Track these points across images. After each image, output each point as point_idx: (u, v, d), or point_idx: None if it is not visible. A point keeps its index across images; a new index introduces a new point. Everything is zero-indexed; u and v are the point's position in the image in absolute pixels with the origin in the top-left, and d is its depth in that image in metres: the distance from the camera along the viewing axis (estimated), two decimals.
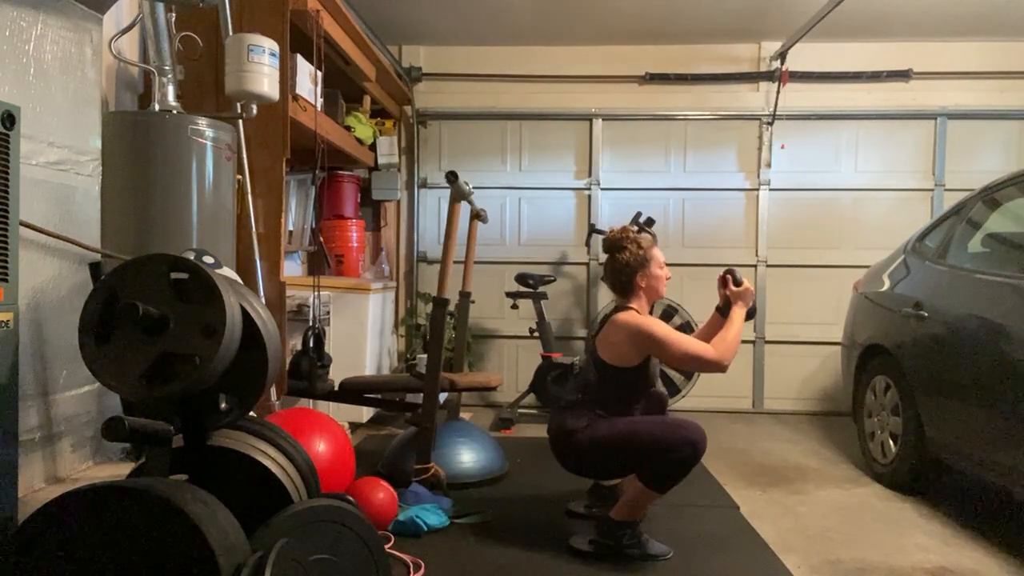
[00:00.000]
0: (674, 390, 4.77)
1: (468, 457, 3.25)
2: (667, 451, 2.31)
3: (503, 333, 5.29)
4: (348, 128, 4.38)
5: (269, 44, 2.70)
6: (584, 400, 2.57)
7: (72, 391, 2.37)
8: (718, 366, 2.40)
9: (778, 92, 4.94)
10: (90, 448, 2.47)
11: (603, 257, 2.65)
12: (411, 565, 2.33)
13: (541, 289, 4.74)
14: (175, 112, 2.66)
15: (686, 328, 4.74)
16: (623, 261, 2.55)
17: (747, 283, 2.58)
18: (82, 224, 2.41)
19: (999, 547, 2.62)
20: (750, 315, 2.57)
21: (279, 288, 3.09)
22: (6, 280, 1.86)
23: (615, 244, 2.58)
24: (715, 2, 4.44)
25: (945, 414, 2.90)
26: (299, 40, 3.24)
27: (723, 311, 2.60)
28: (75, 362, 2.24)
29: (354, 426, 4.21)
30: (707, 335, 2.61)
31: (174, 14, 2.74)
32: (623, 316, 2.49)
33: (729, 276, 2.60)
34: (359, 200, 5.08)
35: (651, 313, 2.64)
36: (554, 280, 4.90)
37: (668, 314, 4.74)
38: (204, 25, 2.91)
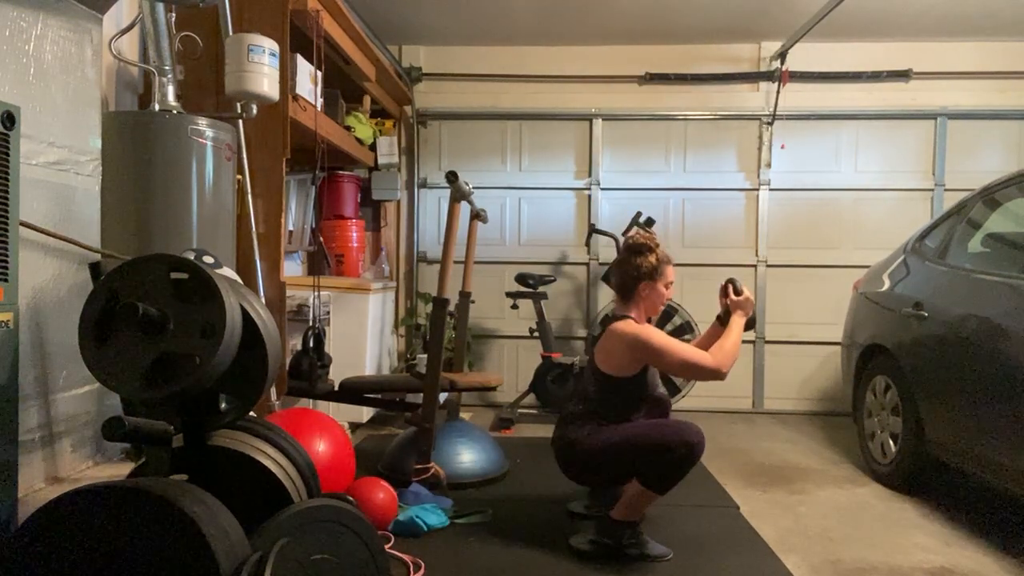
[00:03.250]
0: (674, 390, 4.77)
1: (468, 457, 3.25)
2: (664, 452, 2.32)
3: (503, 333, 5.30)
4: (348, 128, 4.38)
5: (269, 44, 2.70)
6: (585, 411, 2.57)
7: (72, 391, 2.36)
8: (716, 374, 2.41)
9: (778, 92, 4.94)
10: (90, 448, 2.47)
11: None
12: (411, 565, 2.33)
13: (541, 289, 4.74)
14: (175, 112, 2.66)
15: (686, 327, 4.75)
16: (637, 264, 2.55)
17: (747, 292, 2.59)
18: (82, 224, 2.40)
19: (999, 547, 2.62)
20: (750, 325, 2.58)
21: (279, 288, 3.09)
22: (6, 280, 1.86)
23: (638, 247, 2.58)
24: (715, 2, 4.44)
25: (945, 414, 2.90)
26: (299, 40, 3.24)
27: (723, 320, 2.61)
28: (75, 362, 2.24)
29: (354, 426, 4.21)
30: (706, 344, 2.61)
31: (174, 14, 2.73)
32: (620, 325, 2.50)
33: (730, 285, 2.60)
34: (359, 200, 5.08)
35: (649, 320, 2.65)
36: (554, 280, 4.90)
37: (668, 314, 4.74)
38: (204, 25, 2.91)
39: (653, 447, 2.34)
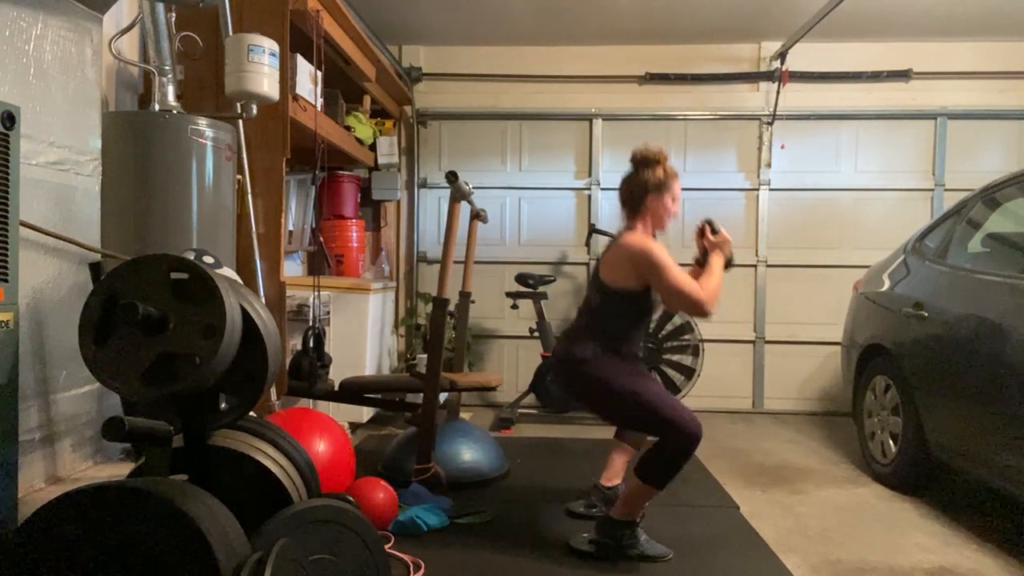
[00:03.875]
0: (674, 390, 4.77)
1: (468, 457, 3.25)
2: (666, 427, 2.34)
3: (503, 333, 5.30)
4: (348, 128, 4.38)
5: (269, 44, 2.70)
6: (587, 325, 2.55)
7: (72, 391, 2.36)
8: (703, 308, 2.39)
9: (778, 92, 4.94)
10: (90, 448, 2.47)
11: (628, 170, 2.62)
12: (411, 565, 2.33)
13: (541, 289, 4.74)
14: (175, 112, 2.66)
15: (686, 327, 4.74)
16: (644, 177, 2.54)
17: (724, 232, 2.58)
18: (82, 224, 2.40)
19: (999, 547, 2.62)
20: (728, 264, 2.58)
21: (279, 288, 3.09)
22: (6, 280, 1.86)
23: (646, 159, 2.56)
24: (715, 2, 4.44)
25: (945, 414, 2.90)
26: (299, 40, 3.24)
27: (701, 262, 2.61)
28: (75, 362, 2.24)
29: (354, 426, 4.21)
30: None
31: (174, 14, 2.73)
32: (628, 237, 2.50)
33: (707, 226, 2.60)
34: (359, 200, 5.08)
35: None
36: (554, 280, 4.90)
37: (668, 314, 4.73)
38: (204, 25, 2.91)
39: (657, 416, 2.35)
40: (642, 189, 2.54)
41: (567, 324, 2.65)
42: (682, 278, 2.40)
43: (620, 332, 2.52)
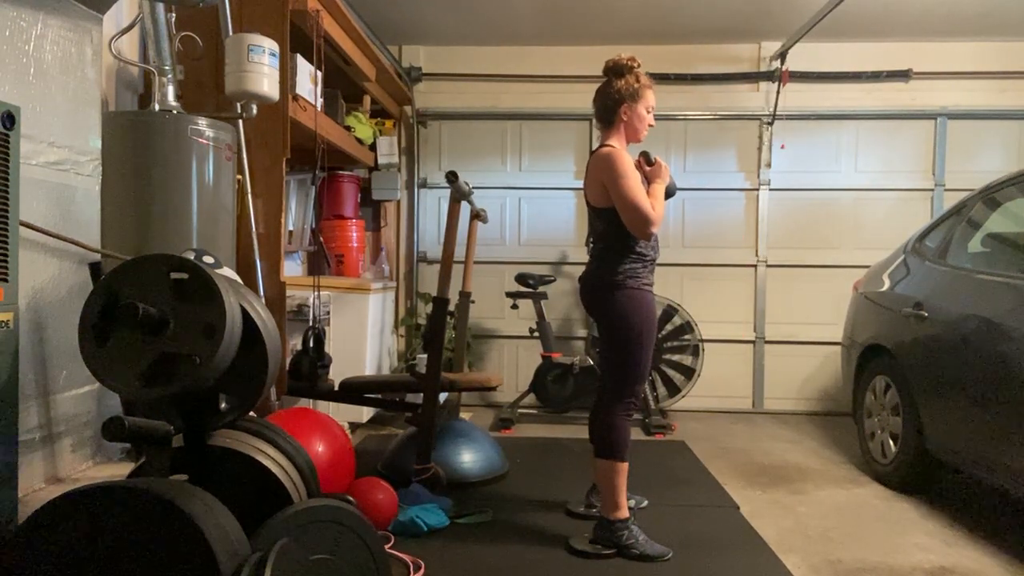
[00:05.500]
0: (674, 390, 4.77)
1: (468, 457, 3.25)
2: (621, 378, 2.46)
3: (503, 333, 5.29)
4: (348, 128, 4.38)
5: (269, 44, 2.70)
6: (600, 247, 2.56)
7: (72, 391, 2.36)
8: (649, 227, 2.38)
9: (778, 92, 4.94)
10: (90, 448, 2.47)
11: (602, 81, 2.60)
12: (411, 565, 2.33)
13: (541, 289, 4.74)
14: (175, 112, 2.66)
15: (686, 328, 4.74)
16: (616, 87, 2.52)
17: (660, 160, 2.57)
18: (82, 224, 2.40)
19: (999, 547, 2.62)
20: (670, 192, 2.58)
21: (279, 288, 3.09)
22: (6, 280, 1.86)
23: (617, 68, 2.54)
24: (715, 2, 4.44)
25: (945, 414, 2.90)
26: (299, 40, 3.24)
27: None
28: (75, 362, 2.24)
29: (354, 426, 4.21)
30: None
31: (174, 14, 2.73)
32: (600, 151, 2.49)
33: (641, 158, 2.58)
34: (359, 200, 5.08)
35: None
36: (554, 280, 4.89)
37: (668, 314, 4.74)
38: (204, 25, 2.91)
39: (623, 371, 2.45)
40: (615, 99, 2.52)
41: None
42: (638, 191, 2.39)
43: (627, 246, 2.49)
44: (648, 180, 2.54)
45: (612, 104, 2.53)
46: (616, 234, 2.49)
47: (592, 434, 2.55)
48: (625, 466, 2.48)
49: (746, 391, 5.17)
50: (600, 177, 2.45)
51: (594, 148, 2.57)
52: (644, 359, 2.49)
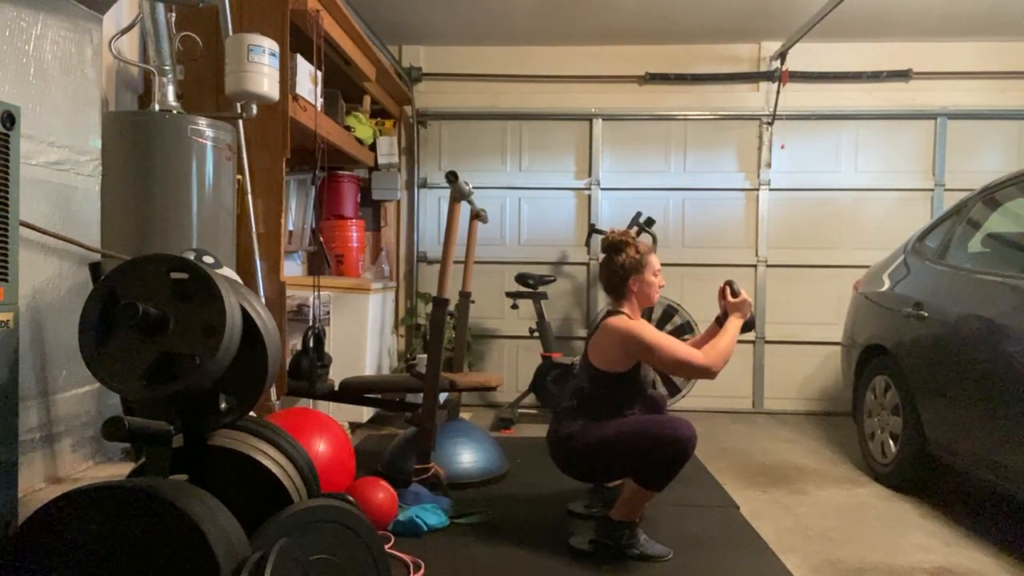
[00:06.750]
0: (674, 390, 4.77)
1: (468, 457, 3.25)
2: (657, 448, 2.33)
3: (503, 333, 5.30)
4: (348, 128, 4.38)
5: (269, 44, 2.70)
6: (577, 406, 2.58)
7: (72, 391, 2.36)
8: (706, 372, 2.41)
9: (778, 92, 4.94)
10: (90, 448, 2.47)
11: (602, 257, 2.66)
12: (411, 565, 2.33)
13: (541, 289, 4.74)
14: (175, 112, 2.66)
15: (686, 327, 4.74)
16: (619, 263, 2.57)
17: (745, 294, 2.60)
18: (82, 224, 2.40)
19: (999, 547, 2.62)
20: (748, 327, 2.59)
21: (279, 288, 3.09)
22: (6, 280, 1.86)
23: (614, 245, 2.60)
24: (715, 2, 4.44)
25: (945, 414, 2.90)
26: (299, 40, 3.24)
27: (722, 321, 2.61)
28: (75, 362, 2.24)
29: (354, 426, 4.21)
30: (703, 343, 2.63)
31: (174, 14, 2.73)
32: (614, 321, 2.51)
33: (728, 287, 2.62)
34: (359, 200, 5.08)
35: (652, 313, 2.65)
36: (554, 280, 4.90)
37: (668, 314, 4.74)
38: (204, 25, 2.91)
39: (644, 443, 2.35)
40: (621, 274, 2.57)
41: (568, 403, 2.66)
42: (678, 349, 2.44)
43: (614, 409, 2.54)
44: (727, 313, 2.57)
45: (619, 280, 2.59)
46: (602, 395, 2.55)
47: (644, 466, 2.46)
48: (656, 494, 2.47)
49: (746, 391, 5.17)
50: (628, 353, 2.48)
51: (604, 314, 2.61)
52: (635, 421, 2.45)
